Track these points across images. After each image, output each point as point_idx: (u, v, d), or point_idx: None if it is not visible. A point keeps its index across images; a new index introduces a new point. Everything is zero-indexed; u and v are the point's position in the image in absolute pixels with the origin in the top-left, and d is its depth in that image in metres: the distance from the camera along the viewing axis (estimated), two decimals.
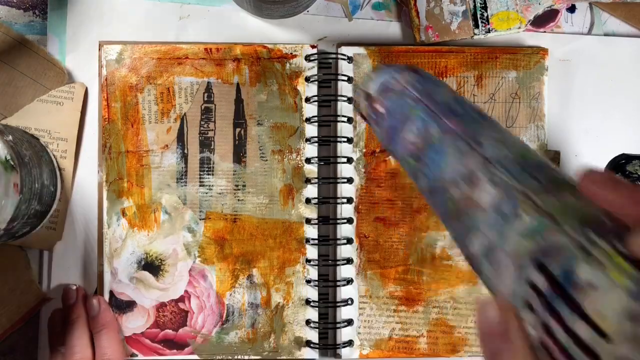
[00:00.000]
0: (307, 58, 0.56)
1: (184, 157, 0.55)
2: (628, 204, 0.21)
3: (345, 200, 0.55)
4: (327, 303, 0.56)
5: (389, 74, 0.34)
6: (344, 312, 0.55)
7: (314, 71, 0.56)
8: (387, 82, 0.33)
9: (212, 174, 0.55)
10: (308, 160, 0.55)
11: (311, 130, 0.56)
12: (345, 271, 0.56)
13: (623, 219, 0.21)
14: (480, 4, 0.57)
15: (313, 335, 0.55)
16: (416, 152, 0.29)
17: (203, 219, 0.55)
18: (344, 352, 0.55)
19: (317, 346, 0.55)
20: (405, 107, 0.30)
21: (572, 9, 0.59)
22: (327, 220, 0.56)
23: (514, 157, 0.26)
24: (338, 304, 0.55)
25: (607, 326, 0.19)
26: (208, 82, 0.55)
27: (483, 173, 0.25)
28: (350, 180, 0.56)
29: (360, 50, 0.56)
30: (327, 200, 0.56)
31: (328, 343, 0.56)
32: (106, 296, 0.54)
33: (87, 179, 0.55)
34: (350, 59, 0.56)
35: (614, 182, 0.22)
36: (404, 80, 0.32)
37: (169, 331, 0.55)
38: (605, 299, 0.19)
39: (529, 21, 0.57)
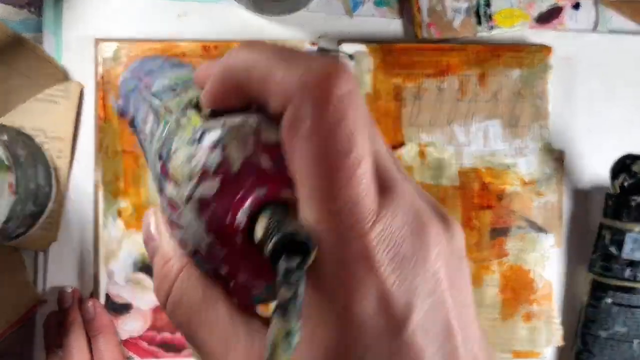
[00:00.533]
0: None
1: None
2: (202, 75, 0.23)
3: None
4: None
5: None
6: None
7: None
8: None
9: None
10: None
11: None
12: None
13: None
14: (484, 0, 0.55)
15: None
16: (131, 119, 0.30)
17: None
18: None
19: None
20: (125, 87, 0.32)
21: (576, 6, 0.57)
22: None
23: (169, 84, 0.27)
24: None
25: (177, 175, 0.21)
26: None
27: (150, 107, 0.27)
28: None
29: (362, 47, 0.55)
30: None
31: None
32: (102, 298, 0.53)
33: (82, 179, 0.54)
34: (351, 57, 0.54)
35: (209, 62, 0.24)
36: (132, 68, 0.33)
37: (167, 334, 0.53)
38: (178, 155, 0.21)
39: (533, 18, 0.56)
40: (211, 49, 0.54)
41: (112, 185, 0.53)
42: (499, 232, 0.55)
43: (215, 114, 0.22)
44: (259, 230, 0.20)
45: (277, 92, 0.19)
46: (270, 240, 0.19)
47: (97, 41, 0.54)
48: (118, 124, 0.53)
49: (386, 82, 0.55)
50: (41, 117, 0.52)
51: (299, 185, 0.19)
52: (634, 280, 0.53)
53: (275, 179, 0.20)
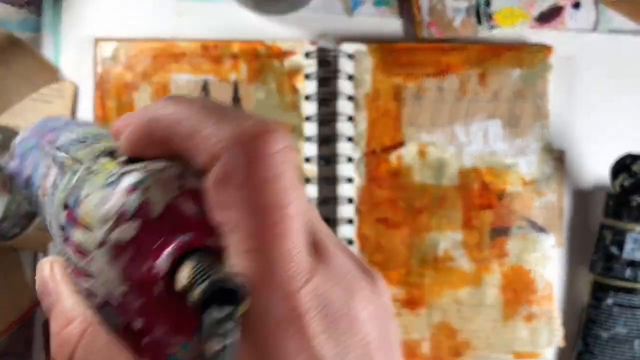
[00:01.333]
0: (307, 55, 0.53)
1: None
2: (122, 125, 0.22)
3: (345, 200, 0.53)
4: None
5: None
6: None
7: (314, 68, 0.53)
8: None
9: None
10: (308, 160, 0.53)
11: (311, 128, 0.53)
12: None
13: None
14: (484, 0, 0.54)
15: None
16: (27, 179, 0.28)
17: None
18: None
19: None
20: (23, 149, 0.30)
21: (576, 6, 0.56)
22: (327, 221, 0.53)
23: (77, 137, 0.26)
24: None
25: (89, 220, 0.19)
26: (205, 80, 0.53)
27: (52, 161, 0.25)
28: (350, 180, 0.53)
29: (361, 46, 0.53)
30: (327, 201, 0.53)
31: None
32: None
33: None
34: (350, 56, 0.53)
35: (127, 115, 0.23)
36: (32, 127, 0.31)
37: None
38: (90, 199, 0.20)
39: (533, 17, 0.54)
40: (211, 48, 0.53)
41: None
42: (500, 232, 0.54)
43: (131, 161, 0.21)
44: (183, 278, 0.18)
45: (205, 148, 0.19)
46: (197, 288, 0.17)
47: (97, 41, 0.52)
48: None
49: (386, 82, 0.54)
50: (36, 116, 0.50)
51: (230, 234, 0.19)
52: (635, 280, 0.51)
53: (200, 226, 0.19)
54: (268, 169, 0.18)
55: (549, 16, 0.55)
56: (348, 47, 0.53)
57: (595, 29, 0.56)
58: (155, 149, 0.21)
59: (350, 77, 0.53)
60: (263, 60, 0.53)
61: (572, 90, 0.55)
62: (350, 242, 0.53)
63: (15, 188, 0.30)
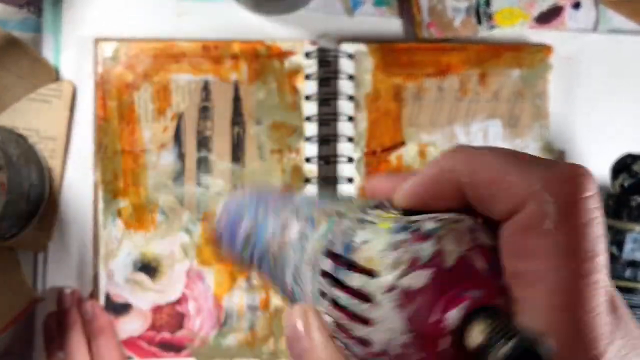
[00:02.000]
0: (307, 55, 0.52)
1: (181, 156, 0.51)
2: (382, 185, 0.23)
3: None
4: None
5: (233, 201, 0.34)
6: None
7: (314, 69, 0.52)
8: (230, 201, 0.32)
9: (210, 174, 0.51)
10: (308, 160, 0.52)
11: (311, 129, 0.52)
12: None
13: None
14: (484, 0, 0.53)
15: None
16: (248, 236, 0.29)
17: (201, 220, 0.51)
18: None
19: None
20: (241, 206, 0.30)
21: (576, 6, 0.55)
22: None
23: (319, 198, 0.27)
24: None
25: (374, 264, 0.19)
26: (205, 80, 0.52)
27: (292, 215, 0.26)
28: (350, 180, 0.52)
29: (362, 47, 0.52)
30: None
31: None
32: (102, 298, 0.51)
33: (82, 179, 0.51)
34: (351, 56, 0.52)
35: (386, 175, 0.23)
36: (242, 193, 0.32)
37: (166, 334, 0.51)
38: (372, 245, 0.19)
39: (533, 18, 0.53)
40: (211, 49, 0.52)
41: (111, 185, 0.51)
42: None
43: (407, 213, 0.21)
44: (477, 336, 0.17)
45: (509, 194, 0.18)
46: (498, 347, 0.16)
47: (97, 41, 0.51)
48: (117, 124, 0.51)
49: (386, 82, 0.53)
50: (34, 117, 0.49)
51: (531, 287, 0.17)
52: (635, 280, 0.50)
53: (489, 283, 0.18)
54: (584, 214, 0.17)
55: (548, 16, 0.54)
56: (348, 47, 0.52)
57: (595, 29, 0.55)
58: (442, 201, 0.20)
59: (351, 77, 0.52)
60: (263, 60, 0.52)
61: (572, 90, 0.54)
62: None
63: (223, 244, 0.30)
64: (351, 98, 0.52)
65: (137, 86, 0.51)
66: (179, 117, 0.51)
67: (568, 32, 0.54)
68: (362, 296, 0.19)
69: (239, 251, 0.30)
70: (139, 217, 0.51)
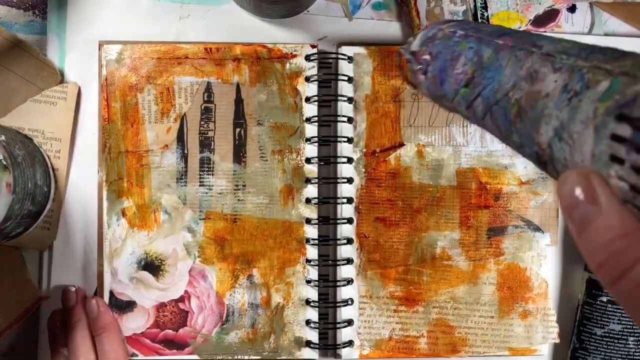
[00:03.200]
0: (307, 58, 0.51)
1: (184, 157, 0.51)
2: None
3: (345, 200, 0.51)
4: (327, 303, 0.52)
5: (432, 28, 0.32)
6: (344, 313, 0.51)
7: (314, 71, 0.51)
8: (431, 34, 0.31)
9: (212, 174, 0.51)
10: (308, 160, 0.51)
11: (311, 130, 0.51)
12: (345, 271, 0.51)
13: None
14: (481, 3, 0.52)
15: (313, 336, 0.51)
16: (468, 79, 0.27)
17: (203, 219, 0.51)
18: (344, 352, 0.51)
19: (317, 346, 0.51)
20: (454, 46, 0.28)
21: (572, 9, 0.54)
22: (327, 221, 0.52)
23: (574, 46, 0.24)
24: (338, 304, 0.51)
25: None
26: (208, 82, 0.51)
27: (544, 66, 0.23)
28: (350, 180, 0.51)
29: (361, 50, 0.52)
30: (327, 200, 0.51)
31: (328, 343, 0.52)
32: (106, 296, 0.50)
33: (85, 180, 0.51)
34: (350, 59, 0.52)
35: None
36: (448, 29, 0.30)
37: (169, 331, 0.51)
38: None
39: (530, 21, 0.53)
40: (213, 51, 0.51)
41: (115, 184, 0.50)
42: (496, 231, 0.52)
43: None
44: None
45: None
46: None
47: (101, 43, 0.51)
48: (122, 125, 0.50)
49: (385, 84, 0.52)
50: (39, 118, 0.49)
51: None
52: None
53: None
54: None
55: (545, 19, 0.54)
56: (348, 50, 0.52)
57: (590, 32, 0.54)
58: None
59: (350, 80, 0.52)
60: (264, 62, 0.51)
61: None
62: (349, 240, 0.51)
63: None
64: (350, 100, 0.52)
65: (140, 88, 0.51)
66: (182, 118, 0.51)
67: (564, 35, 0.54)
68: None
69: (450, 94, 0.27)
70: (143, 216, 0.50)
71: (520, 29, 0.28)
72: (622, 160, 0.19)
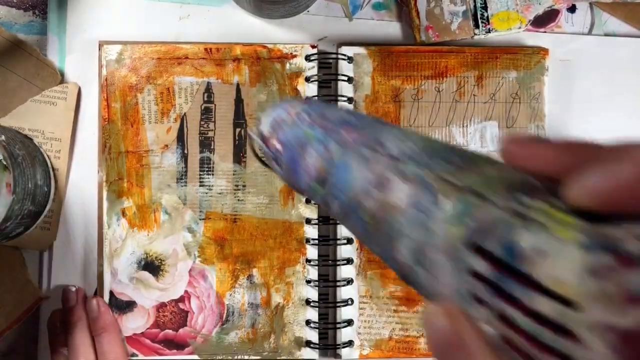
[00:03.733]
0: (307, 58, 0.51)
1: (184, 157, 0.51)
2: (554, 155, 0.18)
3: None
4: (327, 303, 0.52)
5: (279, 108, 0.29)
6: (344, 313, 0.51)
7: (314, 71, 0.51)
8: (278, 117, 0.28)
9: (212, 174, 0.51)
10: None
11: None
12: (345, 271, 0.51)
13: (552, 174, 0.18)
14: (481, 4, 0.52)
15: (313, 336, 0.51)
16: (321, 176, 0.24)
17: (203, 219, 0.51)
18: (344, 352, 0.51)
19: (317, 346, 0.51)
20: (301, 135, 0.26)
21: (572, 9, 0.54)
22: (327, 220, 0.52)
23: (421, 148, 0.21)
24: (338, 304, 0.51)
25: (570, 292, 0.15)
26: (208, 82, 0.51)
27: (392, 172, 0.21)
28: None
29: (361, 50, 0.52)
30: None
31: (328, 343, 0.52)
32: (106, 296, 0.50)
33: (85, 180, 0.51)
34: (350, 59, 0.52)
35: (535, 139, 0.18)
36: (294, 112, 0.27)
37: (169, 331, 0.51)
38: (557, 262, 0.15)
39: (529, 21, 0.53)
40: (213, 51, 0.51)
41: (115, 185, 0.50)
42: None
43: (581, 215, 0.16)
44: None
45: None
46: None
47: (101, 43, 0.51)
48: (121, 125, 0.51)
49: (385, 84, 0.52)
50: (40, 118, 0.49)
51: None
52: None
53: None
54: None
55: (545, 20, 0.54)
56: (348, 50, 0.52)
57: (590, 32, 0.54)
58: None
59: (350, 80, 0.52)
60: (265, 63, 0.51)
61: (568, 92, 0.54)
62: (349, 241, 0.51)
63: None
64: (351, 100, 0.52)
65: (140, 88, 0.51)
66: (182, 119, 0.51)
67: (564, 35, 0.54)
68: (554, 328, 0.15)
69: (305, 188, 0.25)
70: (143, 216, 0.51)
71: (361, 115, 0.26)
72: (484, 302, 0.17)
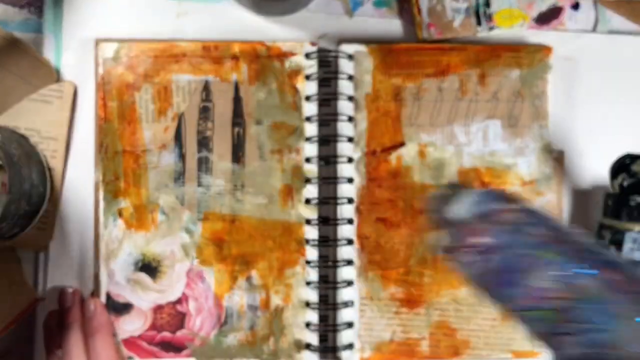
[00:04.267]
0: (307, 56, 0.51)
1: (182, 156, 0.51)
2: None
3: (345, 200, 0.51)
4: (328, 305, 0.51)
5: (485, 202, 0.26)
6: (345, 315, 0.51)
7: (314, 69, 0.51)
8: (486, 209, 0.26)
9: (210, 174, 0.51)
10: (308, 160, 0.51)
11: (311, 129, 0.51)
12: (345, 273, 0.51)
13: None
14: (483, 0, 0.52)
15: (313, 338, 0.51)
16: (557, 304, 0.22)
17: (201, 220, 0.50)
18: (345, 355, 0.51)
19: (317, 349, 0.51)
20: (528, 248, 0.23)
21: (576, 6, 0.54)
22: (327, 221, 0.51)
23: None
24: (338, 306, 0.51)
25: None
26: (206, 81, 0.51)
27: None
28: (350, 180, 0.51)
29: (361, 47, 0.52)
30: (327, 201, 0.51)
31: (328, 346, 0.51)
32: (103, 298, 0.50)
33: (82, 179, 0.51)
34: (350, 57, 0.51)
35: None
36: (511, 213, 0.25)
37: (167, 333, 0.50)
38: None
39: (533, 18, 0.52)
40: (211, 49, 0.51)
41: (112, 185, 0.50)
42: None
43: None
44: None
45: None
46: None
47: (98, 41, 0.51)
48: (118, 124, 0.50)
49: (386, 82, 0.52)
50: (35, 117, 0.49)
51: None
52: None
53: None
54: None
55: (548, 17, 0.53)
56: (348, 48, 0.51)
57: (594, 29, 0.54)
58: None
59: (350, 78, 0.51)
60: (264, 60, 0.51)
61: (571, 90, 0.54)
62: (350, 241, 0.51)
63: None
64: (351, 98, 0.51)
65: (137, 87, 0.50)
66: (180, 118, 0.51)
67: (567, 33, 0.54)
68: None
69: (514, 305, 0.22)
70: (140, 217, 0.50)
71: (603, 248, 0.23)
72: None
